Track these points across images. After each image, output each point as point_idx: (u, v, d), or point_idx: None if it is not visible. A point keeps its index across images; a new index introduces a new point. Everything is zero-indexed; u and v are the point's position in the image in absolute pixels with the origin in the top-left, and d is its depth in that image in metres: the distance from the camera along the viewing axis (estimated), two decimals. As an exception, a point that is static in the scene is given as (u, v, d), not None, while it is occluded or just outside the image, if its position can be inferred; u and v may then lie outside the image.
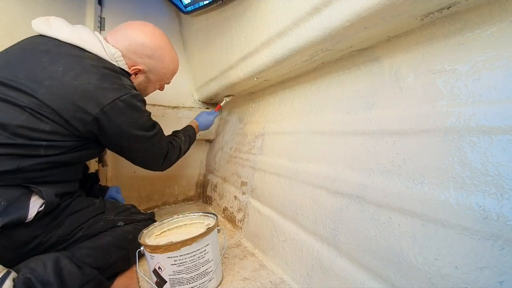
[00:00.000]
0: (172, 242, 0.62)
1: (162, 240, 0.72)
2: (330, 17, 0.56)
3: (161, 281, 0.63)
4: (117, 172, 1.25)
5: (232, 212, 1.10)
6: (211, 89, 1.29)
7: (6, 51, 0.69)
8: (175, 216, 0.80)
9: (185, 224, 0.80)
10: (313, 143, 0.75)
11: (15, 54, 0.67)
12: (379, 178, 0.54)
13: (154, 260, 0.62)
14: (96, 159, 1.18)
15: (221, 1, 0.93)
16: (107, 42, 0.76)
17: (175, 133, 1.04)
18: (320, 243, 0.65)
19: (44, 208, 0.62)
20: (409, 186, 0.48)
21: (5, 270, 0.53)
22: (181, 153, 0.98)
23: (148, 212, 0.98)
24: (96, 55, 0.72)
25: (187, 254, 0.62)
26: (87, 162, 1.08)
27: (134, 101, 0.72)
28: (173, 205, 1.47)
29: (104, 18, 1.22)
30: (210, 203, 1.38)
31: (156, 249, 0.61)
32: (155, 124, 0.83)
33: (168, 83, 0.96)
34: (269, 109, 1.06)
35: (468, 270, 0.38)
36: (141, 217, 0.87)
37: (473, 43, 0.46)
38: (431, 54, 0.52)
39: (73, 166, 0.73)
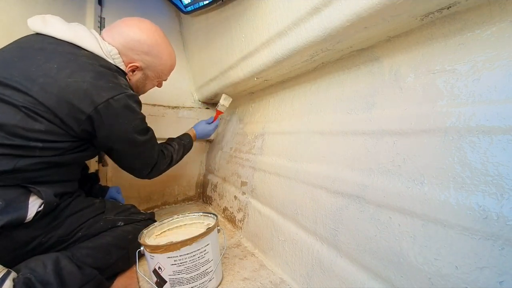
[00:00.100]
0: (172, 242, 0.62)
1: (162, 240, 0.72)
2: (330, 17, 0.56)
3: (161, 281, 0.63)
4: (117, 172, 1.25)
5: (232, 212, 1.10)
6: (211, 89, 1.29)
7: (2, 49, 0.68)
8: (175, 216, 0.80)
9: (185, 224, 0.80)
10: (313, 143, 0.75)
11: (10, 53, 0.66)
12: (379, 178, 0.54)
13: (154, 260, 0.62)
14: (96, 158, 1.18)
15: (221, 1, 0.93)
16: (104, 39, 0.76)
17: (169, 141, 1.01)
18: (320, 243, 0.65)
19: (43, 208, 0.62)
20: (409, 186, 0.48)
21: (5, 270, 0.53)
22: (172, 162, 0.96)
23: (148, 212, 0.98)
24: (92, 53, 0.70)
25: (187, 254, 0.62)
26: (86, 162, 1.08)
27: (129, 102, 0.70)
28: (173, 205, 1.47)
29: (104, 18, 1.22)
30: (210, 203, 1.38)
31: (156, 249, 0.61)
32: (148, 130, 0.81)
33: (166, 79, 0.95)
34: (269, 109, 1.06)
35: (468, 270, 0.38)
36: (141, 217, 0.87)
37: (473, 43, 0.46)
38: (431, 54, 0.52)
39: (71, 166, 0.73)
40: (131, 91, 0.73)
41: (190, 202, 1.52)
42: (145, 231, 0.72)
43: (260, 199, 0.93)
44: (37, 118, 0.61)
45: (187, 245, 0.62)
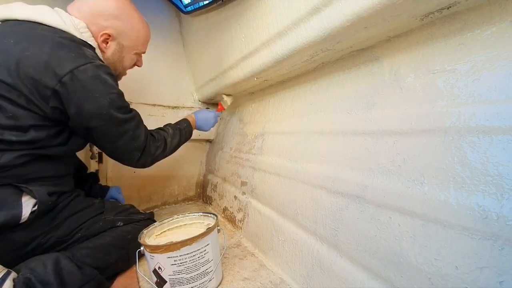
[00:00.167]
0: (172, 242, 0.62)
1: (162, 240, 0.72)
2: (330, 17, 0.56)
3: (161, 281, 0.63)
4: (117, 172, 1.25)
5: (232, 212, 1.10)
6: (211, 89, 1.29)
7: None
8: (175, 216, 0.80)
9: (185, 224, 0.80)
10: (313, 143, 0.75)
11: None
12: (379, 178, 0.54)
13: (154, 260, 0.62)
14: (97, 158, 1.18)
15: (221, 1, 0.93)
16: (70, 14, 0.70)
17: (162, 127, 0.92)
18: (320, 243, 0.65)
19: (37, 207, 0.62)
20: (409, 186, 0.48)
21: (5, 270, 0.53)
22: (167, 147, 0.85)
23: (148, 212, 0.98)
24: (51, 27, 0.65)
25: (187, 254, 0.62)
26: (86, 162, 1.07)
27: (98, 72, 0.64)
28: (173, 205, 1.47)
29: (104, 18, 1.22)
30: (210, 203, 1.38)
31: (156, 249, 0.61)
32: (131, 110, 0.73)
33: (144, 51, 0.87)
34: (269, 109, 1.06)
35: (468, 270, 0.38)
36: (140, 217, 0.87)
37: (473, 43, 0.46)
38: (431, 54, 0.52)
39: (60, 161, 0.70)
40: (101, 62, 0.67)
41: (190, 202, 1.52)
42: (145, 231, 0.72)
43: (260, 199, 0.93)
44: (1, 104, 0.58)
45: (187, 245, 0.62)
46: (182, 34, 1.46)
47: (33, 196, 0.62)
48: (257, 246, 0.88)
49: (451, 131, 0.44)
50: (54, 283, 0.57)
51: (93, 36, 0.72)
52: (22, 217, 0.60)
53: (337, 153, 0.66)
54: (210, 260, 0.66)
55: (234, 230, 1.05)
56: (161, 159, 0.86)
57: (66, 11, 0.71)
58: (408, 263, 0.45)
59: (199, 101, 1.52)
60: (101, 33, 0.73)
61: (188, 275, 0.62)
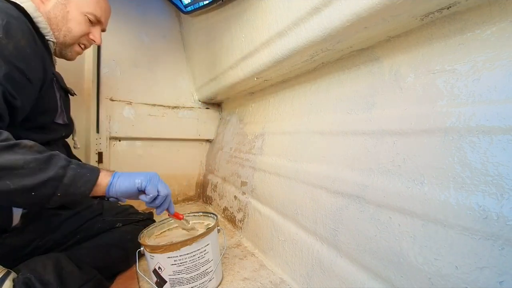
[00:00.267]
0: (172, 242, 0.62)
1: (162, 240, 0.72)
2: (330, 17, 0.56)
3: (161, 281, 0.63)
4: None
5: (232, 212, 1.10)
6: (211, 89, 1.29)
7: None
8: (175, 216, 0.80)
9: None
10: (313, 143, 0.75)
11: None
12: (379, 178, 0.54)
13: (154, 260, 0.62)
14: (97, 158, 1.18)
15: (221, 1, 0.93)
16: None
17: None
18: (320, 243, 0.65)
19: (27, 210, 0.60)
20: (409, 186, 0.48)
21: (5, 271, 0.53)
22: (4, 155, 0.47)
23: (147, 212, 0.98)
24: None
25: (187, 254, 0.62)
26: (87, 161, 1.07)
27: None
28: (173, 205, 1.47)
29: (104, 18, 1.22)
30: (210, 203, 1.38)
31: (156, 249, 0.61)
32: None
33: (100, 21, 0.73)
34: (269, 109, 1.06)
35: (468, 270, 0.38)
36: (139, 217, 0.87)
37: (473, 43, 0.46)
38: (431, 54, 0.52)
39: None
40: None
41: (190, 202, 1.52)
42: (145, 231, 0.72)
43: (260, 199, 0.93)
44: None
45: (187, 245, 0.62)
46: (182, 34, 1.46)
47: None
48: (257, 246, 0.88)
49: (451, 131, 0.44)
50: (54, 283, 0.57)
51: None
52: (14, 218, 0.58)
53: (337, 153, 0.66)
54: (210, 260, 0.66)
55: (234, 230, 1.05)
56: None
57: None
58: (408, 263, 0.45)
59: (199, 101, 1.52)
60: None
61: (188, 275, 0.62)
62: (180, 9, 1.18)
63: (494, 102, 0.41)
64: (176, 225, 0.79)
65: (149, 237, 0.73)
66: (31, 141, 0.48)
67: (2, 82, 0.48)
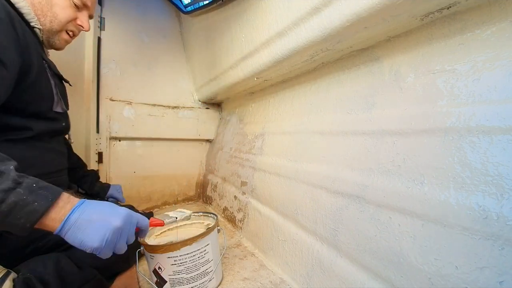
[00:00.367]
0: (172, 242, 0.62)
1: (162, 240, 0.72)
2: (330, 17, 0.56)
3: (161, 281, 0.63)
4: (118, 172, 1.25)
5: (232, 212, 1.10)
6: (211, 89, 1.29)
7: None
8: (175, 216, 0.80)
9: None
10: (313, 143, 0.75)
11: None
12: (379, 178, 0.54)
13: (154, 260, 0.62)
14: (96, 158, 1.18)
15: (221, 1, 0.93)
16: None
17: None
18: (320, 243, 0.65)
19: None
20: (409, 186, 0.48)
21: (5, 271, 0.53)
22: None
23: (147, 212, 0.98)
24: None
25: (187, 254, 0.62)
26: (85, 162, 1.07)
27: None
28: (173, 205, 1.47)
29: (104, 18, 1.22)
30: (210, 203, 1.38)
31: (156, 249, 0.61)
32: None
33: (85, 1, 0.69)
34: (269, 109, 1.06)
35: (468, 270, 0.38)
36: (140, 217, 0.87)
37: (473, 43, 0.46)
38: (431, 54, 0.52)
39: (33, 148, 0.60)
40: None
41: (190, 202, 1.52)
42: (145, 231, 0.72)
43: (260, 199, 0.93)
44: None
45: (187, 245, 0.61)
46: (182, 34, 1.46)
47: None
48: (257, 246, 0.89)
49: (451, 131, 0.44)
50: (54, 283, 0.57)
51: None
52: None
53: (337, 153, 0.66)
54: (210, 260, 0.66)
55: (234, 230, 1.05)
56: None
57: None
58: (408, 263, 0.45)
59: (199, 101, 1.52)
60: None
61: (188, 275, 0.62)
62: (180, 9, 1.18)
63: (494, 102, 0.41)
64: (176, 225, 0.79)
65: (149, 237, 0.73)
66: None
67: None
